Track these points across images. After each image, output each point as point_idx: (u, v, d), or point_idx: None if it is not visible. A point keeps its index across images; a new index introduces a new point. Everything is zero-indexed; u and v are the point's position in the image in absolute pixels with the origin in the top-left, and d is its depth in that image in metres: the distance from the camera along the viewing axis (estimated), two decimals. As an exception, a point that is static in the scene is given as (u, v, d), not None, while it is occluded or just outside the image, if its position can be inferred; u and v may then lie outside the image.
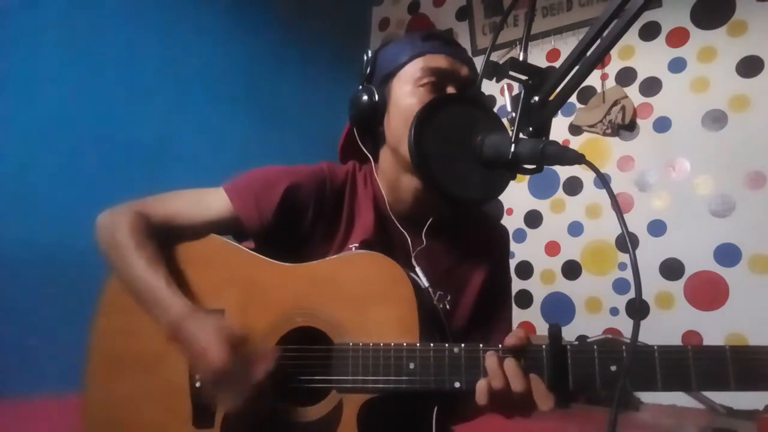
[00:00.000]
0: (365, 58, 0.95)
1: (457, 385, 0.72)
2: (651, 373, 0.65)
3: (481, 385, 0.70)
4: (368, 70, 0.93)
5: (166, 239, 0.90)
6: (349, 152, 1.01)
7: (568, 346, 0.69)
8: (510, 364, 0.69)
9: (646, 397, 2.47)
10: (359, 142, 0.94)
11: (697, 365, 0.64)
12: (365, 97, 0.90)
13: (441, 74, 0.88)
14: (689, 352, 0.65)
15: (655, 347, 0.66)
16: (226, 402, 0.77)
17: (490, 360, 0.70)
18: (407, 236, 0.92)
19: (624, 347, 0.67)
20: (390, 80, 0.91)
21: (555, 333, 0.69)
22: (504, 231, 1.06)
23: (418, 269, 0.89)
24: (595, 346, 0.68)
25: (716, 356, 0.64)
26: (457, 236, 0.97)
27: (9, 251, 1.90)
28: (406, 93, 0.88)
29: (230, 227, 0.91)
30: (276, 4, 3.08)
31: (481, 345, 0.72)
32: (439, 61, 0.88)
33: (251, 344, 0.77)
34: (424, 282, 0.87)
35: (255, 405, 0.75)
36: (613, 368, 0.67)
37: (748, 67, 2.52)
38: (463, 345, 0.73)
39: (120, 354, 0.89)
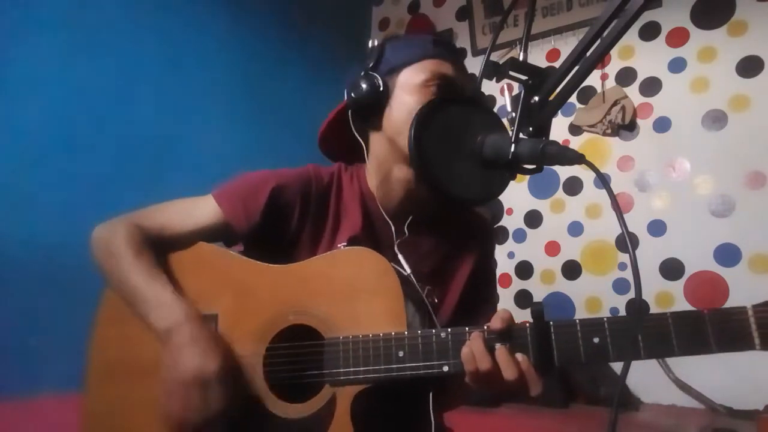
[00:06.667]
0: (371, 45, 0.96)
1: (446, 369, 0.73)
2: (634, 343, 0.66)
3: (469, 369, 0.70)
4: (374, 59, 0.94)
5: (159, 249, 0.91)
6: (331, 140, 1.02)
7: (552, 323, 0.70)
8: (501, 353, 0.70)
9: (646, 397, 2.47)
10: (352, 126, 0.95)
11: (677, 330, 0.66)
12: (370, 85, 0.91)
13: (446, 80, 0.90)
14: (668, 318, 0.66)
15: (636, 317, 0.67)
16: (197, 409, 0.76)
17: (476, 342, 0.71)
18: (391, 225, 0.93)
19: (605, 318, 0.68)
20: (396, 73, 0.92)
21: (538, 311, 0.70)
22: (487, 224, 1.08)
23: (400, 257, 0.91)
24: (578, 320, 0.69)
25: (695, 320, 0.66)
26: (443, 232, 0.98)
27: (9, 251, 1.90)
28: (412, 89, 0.90)
29: (221, 233, 0.93)
30: (276, 4, 3.08)
31: (467, 328, 0.74)
32: (447, 68, 0.91)
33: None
34: (407, 269, 0.89)
35: (222, 416, 0.76)
36: (596, 341, 0.68)
37: (748, 67, 2.51)
38: (449, 329, 0.75)
39: (119, 361, 0.91)
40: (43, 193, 2.03)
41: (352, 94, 0.92)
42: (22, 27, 2.05)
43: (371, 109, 0.92)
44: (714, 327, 0.64)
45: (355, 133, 0.96)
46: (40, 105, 2.07)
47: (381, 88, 0.91)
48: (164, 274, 0.87)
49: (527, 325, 0.71)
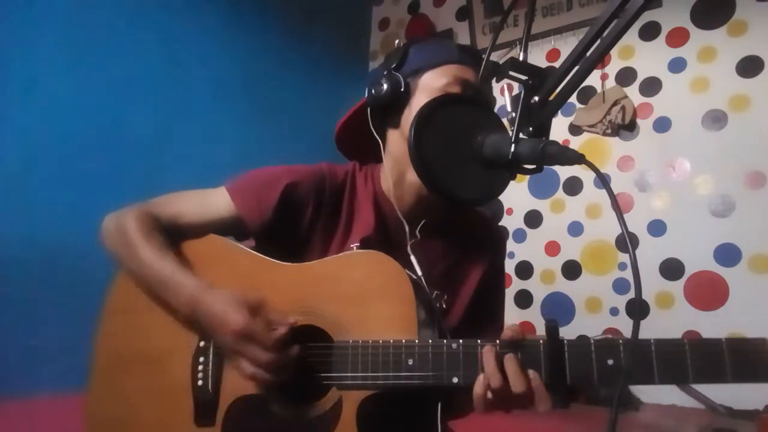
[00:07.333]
0: (396, 44, 0.97)
1: (455, 380, 0.72)
2: (648, 367, 0.65)
3: (478, 391, 0.70)
4: (398, 60, 0.94)
5: (170, 237, 0.91)
6: (346, 139, 1.02)
7: (565, 341, 0.69)
8: (510, 363, 0.69)
9: (646, 397, 2.47)
10: (371, 124, 0.95)
11: (693, 358, 0.65)
12: (391, 84, 0.91)
13: (468, 86, 0.91)
14: (686, 346, 0.65)
15: (652, 341, 0.66)
16: (248, 365, 0.77)
17: (488, 358, 0.70)
18: (406, 226, 0.93)
19: (621, 341, 0.68)
20: (419, 74, 0.92)
21: (552, 328, 0.69)
22: (500, 232, 1.07)
23: (413, 258, 0.90)
24: (592, 341, 0.68)
25: (712, 349, 0.64)
26: (455, 236, 0.98)
27: (10, 251, 1.90)
28: (433, 92, 0.90)
29: (232, 226, 0.92)
30: (276, 4, 3.08)
31: (479, 341, 0.73)
32: (469, 74, 0.91)
33: (269, 308, 0.79)
34: (418, 272, 0.88)
35: (276, 369, 0.76)
36: (610, 362, 0.67)
37: (748, 67, 2.52)
38: (461, 341, 0.74)
39: (124, 353, 0.90)
40: (43, 193, 2.03)
41: (373, 92, 0.92)
42: (22, 27, 2.05)
43: (391, 108, 0.92)
44: (731, 357, 0.63)
45: (374, 132, 0.95)
46: (40, 105, 2.07)
47: (402, 88, 0.91)
48: (173, 253, 0.87)
49: (540, 341, 0.70)
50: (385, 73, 0.93)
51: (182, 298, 0.82)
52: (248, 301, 0.78)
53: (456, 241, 0.97)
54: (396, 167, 0.94)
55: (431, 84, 0.91)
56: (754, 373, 0.63)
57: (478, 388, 0.70)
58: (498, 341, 0.72)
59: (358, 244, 0.90)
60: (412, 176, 0.91)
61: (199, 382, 0.84)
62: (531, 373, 0.69)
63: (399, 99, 0.91)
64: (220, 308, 0.78)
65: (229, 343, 0.78)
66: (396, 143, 0.94)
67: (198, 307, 0.81)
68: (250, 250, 0.91)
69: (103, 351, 0.92)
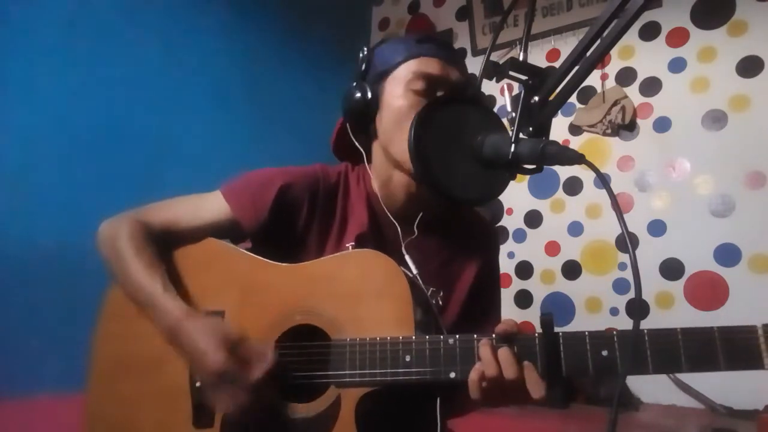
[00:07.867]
0: (361, 54, 0.96)
1: (452, 375, 0.73)
2: (642, 357, 0.66)
3: (473, 377, 0.70)
4: (363, 67, 0.94)
5: (166, 245, 0.91)
6: (342, 146, 1.02)
7: (561, 334, 0.70)
8: (503, 352, 0.70)
9: (646, 397, 2.47)
10: (351, 137, 0.96)
11: (686, 347, 0.65)
12: (358, 95, 0.92)
13: (431, 79, 0.89)
14: (678, 335, 0.66)
15: (645, 331, 0.67)
16: (226, 404, 0.77)
17: (484, 349, 0.71)
18: (398, 227, 0.93)
19: (615, 332, 0.68)
20: (383, 79, 0.92)
21: (547, 321, 0.70)
22: (493, 228, 1.09)
23: (407, 257, 0.91)
24: (587, 333, 0.69)
25: (705, 337, 0.65)
26: (448, 233, 0.98)
27: (10, 251, 1.90)
28: (398, 95, 0.90)
29: (229, 229, 0.93)
30: (276, 4, 3.08)
31: (475, 335, 0.74)
32: (431, 65, 0.90)
33: (248, 344, 0.78)
34: (413, 270, 0.89)
35: (255, 406, 0.75)
36: (605, 353, 0.67)
37: (748, 67, 2.51)
38: (457, 336, 0.74)
39: (122, 357, 0.91)
40: (43, 193, 2.03)
41: (345, 105, 0.94)
42: (22, 27, 2.05)
43: (364, 117, 0.93)
44: (723, 345, 0.64)
45: (355, 142, 0.96)
46: (40, 105, 2.07)
47: (369, 97, 0.91)
48: (163, 270, 0.87)
49: (536, 335, 0.71)
50: (354, 84, 0.93)
51: (164, 324, 0.82)
52: (228, 338, 0.77)
53: (449, 238, 0.98)
54: (381, 171, 0.95)
55: (394, 86, 0.90)
56: (745, 359, 0.63)
57: (474, 374, 0.70)
58: (494, 335, 0.72)
59: (353, 243, 0.91)
60: (398, 176, 0.92)
61: (197, 384, 0.84)
62: (526, 363, 0.70)
63: (368, 108, 0.92)
64: (200, 345, 0.77)
65: (208, 381, 0.77)
66: (376, 150, 0.95)
67: (178, 338, 0.80)
68: (246, 251, 0.92)
69: (102, 354, 0.92)
